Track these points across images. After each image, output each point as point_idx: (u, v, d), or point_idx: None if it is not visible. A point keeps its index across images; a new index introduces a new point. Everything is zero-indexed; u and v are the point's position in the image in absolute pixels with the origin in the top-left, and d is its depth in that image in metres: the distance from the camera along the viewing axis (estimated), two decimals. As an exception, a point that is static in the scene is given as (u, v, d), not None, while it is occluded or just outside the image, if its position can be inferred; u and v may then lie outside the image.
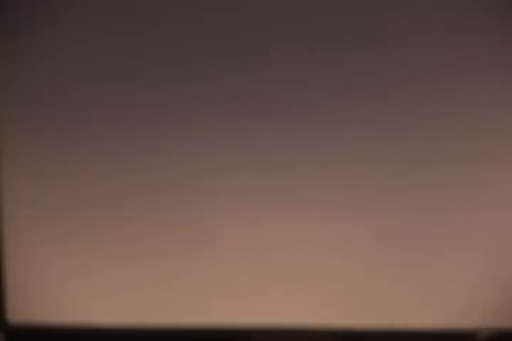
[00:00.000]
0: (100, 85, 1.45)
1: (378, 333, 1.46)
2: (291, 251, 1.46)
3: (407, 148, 1.44)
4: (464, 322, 1.46)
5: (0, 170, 1.48)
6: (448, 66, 1.42)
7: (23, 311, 1.50)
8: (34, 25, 1.44)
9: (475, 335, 1.45)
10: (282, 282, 1.46)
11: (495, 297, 1.45)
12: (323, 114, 1.44)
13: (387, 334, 1.46)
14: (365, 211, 1.45)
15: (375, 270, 1.46)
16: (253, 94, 1.44)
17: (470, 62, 1.41)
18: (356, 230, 1.45)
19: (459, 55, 1.41)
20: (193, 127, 1.45)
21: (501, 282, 1.45)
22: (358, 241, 1.45)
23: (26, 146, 1.47)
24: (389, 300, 1.46)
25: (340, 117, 1.44)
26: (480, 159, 1.43)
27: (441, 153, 1.43)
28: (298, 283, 1.46)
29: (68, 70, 1.45)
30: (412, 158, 1.44)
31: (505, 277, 1.45)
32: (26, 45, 1.45)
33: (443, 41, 1.41)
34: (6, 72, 1.45)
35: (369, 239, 1.45)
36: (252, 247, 1.46)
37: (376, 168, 1.44)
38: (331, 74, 1.43)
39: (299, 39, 1.42)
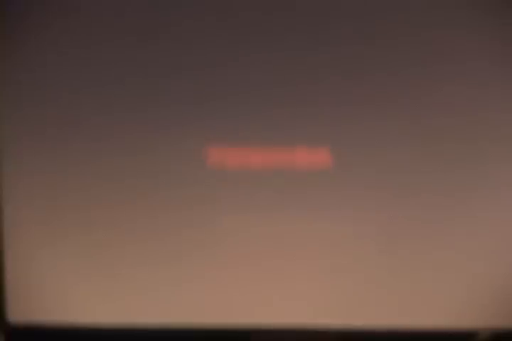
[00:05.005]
0: (101, 86, 1.45)
1: (378, 333, 1.46)
2: (290, 251, 1.46)
3: (407, 149, 1.44)
4: (463, 322, 1.46)
5: (0, 170, 1.48)
6: (448, 67, 1.42)
7: (23, 311, 1.50)
8: (34, 25, 1.44)
9: (475, 335, 1.45)
10: (282, 282, 1.46)
11: (495, 297, 1.45)
12: (325, 118, 1.44)
13: (387, 334, 1.46)
14: (365, 211, 1.45)
15: (375, 270, 1.46)
16: (251, 95, 1.44)
17: (470, 63, 1.41)
18: (356, 231, 1.45)
19: (458, 55, 1.41)
20: (193, 128, 1.45)
21: (501, 282, 1.45)
22: (357, 241, 1.45)
23: (26, 147, 1.47)
24: (389, 300, 1.46)
25: (340, 119, 1.44)
26: (481, 159, 1.43)
27: (441, 152, 1.43)
28: (298, 283, 1.46)
29: (69, 71, 1.45)
30: (412, 159, 1.44)
31: (505, 277, 1.45)
32: (26, 45, 1.45)
33: (442, 43, 1.41)
34: (5, 73, 1.45)
35: (369, 239, 1.45)
36: (251, 248, 1.46)
37: (377, 168, 1.44)
38: (331, 76, 1.43)
39: (296, 40, 1.43)
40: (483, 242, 1.44)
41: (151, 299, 1.48)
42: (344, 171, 1.45)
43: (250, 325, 1.47)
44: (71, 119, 1.46)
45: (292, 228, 1.45)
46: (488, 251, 1.44)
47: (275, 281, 1.46)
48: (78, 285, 1.49)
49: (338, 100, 1.43)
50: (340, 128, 1.44)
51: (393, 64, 1.42)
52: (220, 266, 1.47)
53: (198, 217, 1.46)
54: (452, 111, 1.42)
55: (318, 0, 1.42)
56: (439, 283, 1.45)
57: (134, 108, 1.46)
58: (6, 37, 1.44)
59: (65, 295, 1.49)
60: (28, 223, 1.48)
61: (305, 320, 1.47)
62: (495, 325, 1.45)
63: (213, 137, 1.45)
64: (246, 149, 1.45)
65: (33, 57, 1.45)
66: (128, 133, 1.46)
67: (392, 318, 1.46)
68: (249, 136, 1.45)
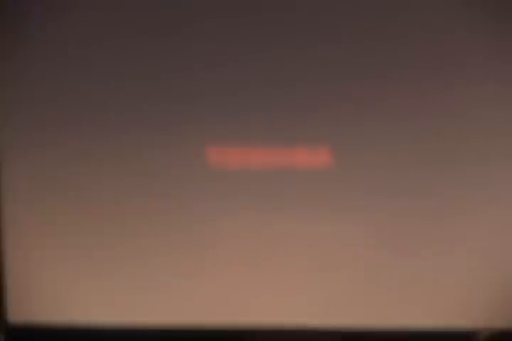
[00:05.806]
0: (101, 87, 1.45)
1: (378, 333, 1.46)
2: (291, 251, 1.46)
3: (407, 149, 1.44)
4: (464, 322, 1.46)
5: (0, 170, 1.48)
6: (446, 66, 1.42)
7: (23, 311, 1.50)
8: (35, 25, 1.44)
9: (475, 335, 1.45)
10: (282, 282, 1.46)
11: (495, 297, 1.45)
12: (325, 118, 1.44)
13: (387, 334, 1.46)
14: (365, 211, 1.45)
15: (376, 270, 1.46)
16: (251, 95, 1.44)
17: (467, 61, 1.42)
18: (357, 230, 1.45)
19: (456, 54, 1.42)
20: (193, 128, 1.45)
21: (501, 282, 1.45)
22: (358, 241, 1.45)
23: (27, 147, 1.47)
24: (389, 300, 1.46)
25: (340, 119, 1.44)
26: (481, 158, 1.43)
27: (441, 152, 1.43)
28: (298, 283, 1.46)
29: (69, 71, 1.45)
30: (412, 159, 1.44)
31: (504, 277, 1.45)
32: (26, 45, 1.45)
33: (440, 42, 1.41)
34: (6, 73, 1.45)
35: (369, 239, 1.45)
36: (252, 247, 1.46)
37: (377, 168, 1.44)
38: (332, 76, 1.43)
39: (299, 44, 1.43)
40: (483, 242, 1.44)
41: (150, 299, 1.48)
42: (344, 171, 1.45)
43: (250, 325, 1.47)
44: (71, 119, 1.46)
45: (292, 228, 1.45)
46: (488, 250, 1.44)
47: (275, 281, 1.46)
48: (78, 286, 1.49)
49: (339, 100, 1.43)
50: (340, 128, 1.44)
51: (391, 64, 1.42)
52: (219, 266, 1.47)
53: (197, 216, 1.46)
54: (451, 110, 1.42)
55: (321, 0, 1.42)
56: (438, 283, 1.45)
57: (134, 108, 1.46)
58: (6, 37, 1.44)
59: (64, 295, 1.49)
60: (28, 224, 1.48)
61: (304, 319, 1.47)
62: (495, 325, 1.45)
63: (213, 137, 1.45)
64: (246, 149, 1.45)
65: (33, 58, 1.45)
66: (128, 133, 1.46)
67: (392, 318, 1.46)
68: (249, 136, 1.45)
